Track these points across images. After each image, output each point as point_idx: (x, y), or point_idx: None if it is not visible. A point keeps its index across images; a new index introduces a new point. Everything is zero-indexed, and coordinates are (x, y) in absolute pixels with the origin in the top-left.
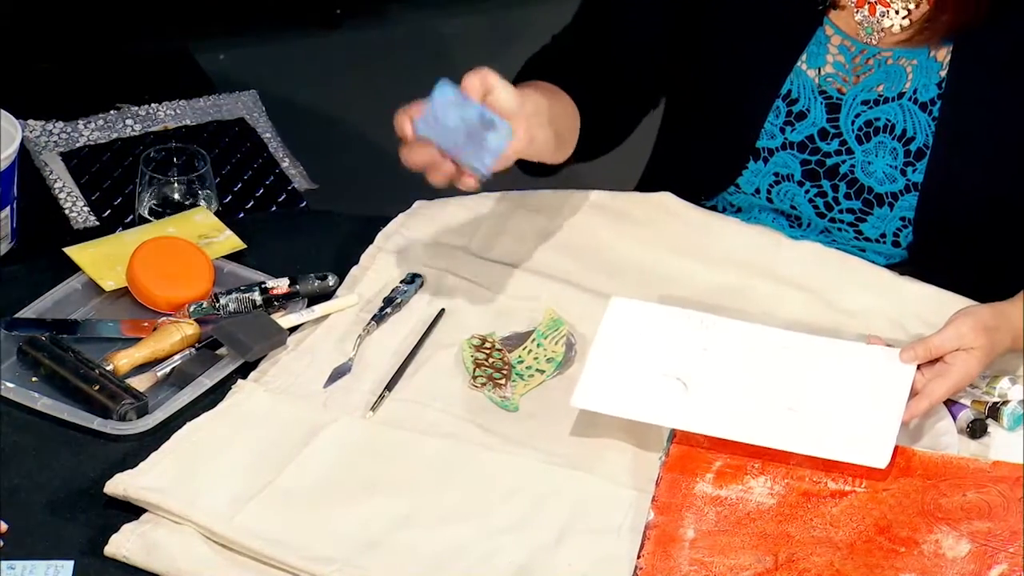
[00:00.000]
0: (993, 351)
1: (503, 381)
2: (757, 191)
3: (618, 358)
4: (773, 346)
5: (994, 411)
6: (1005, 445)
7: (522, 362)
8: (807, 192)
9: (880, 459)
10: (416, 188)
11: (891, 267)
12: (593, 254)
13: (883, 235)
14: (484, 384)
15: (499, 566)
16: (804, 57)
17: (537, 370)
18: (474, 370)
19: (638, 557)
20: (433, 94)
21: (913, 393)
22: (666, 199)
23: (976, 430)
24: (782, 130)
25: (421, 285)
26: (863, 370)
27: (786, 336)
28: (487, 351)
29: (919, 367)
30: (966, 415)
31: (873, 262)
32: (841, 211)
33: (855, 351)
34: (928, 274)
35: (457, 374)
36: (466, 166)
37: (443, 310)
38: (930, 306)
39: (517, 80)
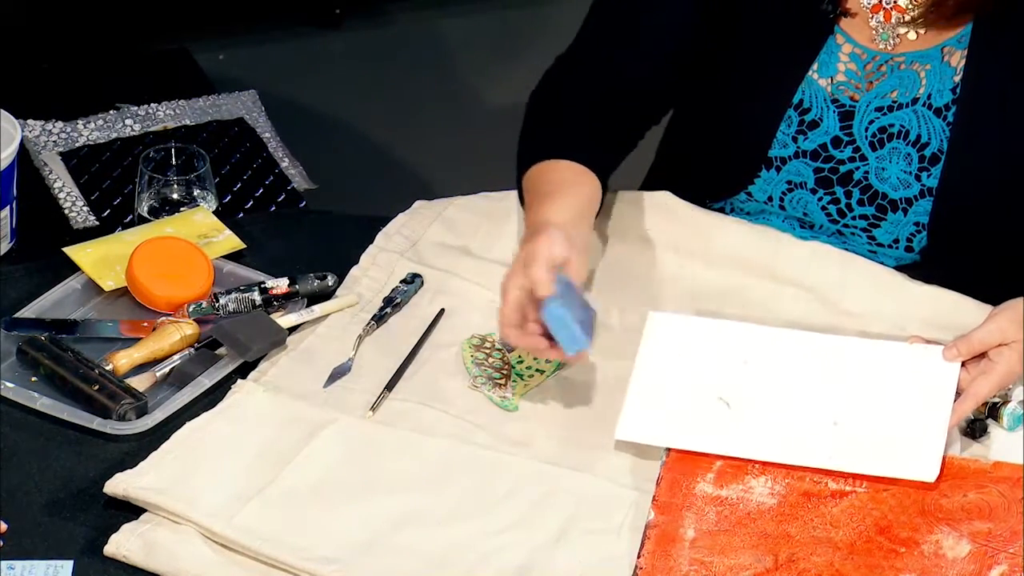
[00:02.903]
0: None
1: (503, 381)
2: (770, 199)
3: (659, 381)
4: (814, 353)
5: (994, 411)
6: (1005, 445)
7: (522, 362)
8: (820, 200)
9: (929, 473)
10: (416, 188)
11: (903, 269)
12: (593, 254)
13: (896, 240)
14: (484, 384)
15: (499, 566)
16: (815, 66)
17: (537, 370)
18: (474, 370)
19: (638, 557)
20: (559, 291)
21: (958, 391)
22: (666, 199)
23: (976, 430)
24: (794, 139)
25: (421, 285)
26: (907, 372)
27: (827, 340)
28: (487, 351)
29: (962, 364)
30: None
31: (881, 263)
32: (854, 217)
33: (898, 352)
34: (940, 277)
35: (457, 374)
36: (569, 348)
37: (443, 310)
38: (931, 306)
39: (530, 132)
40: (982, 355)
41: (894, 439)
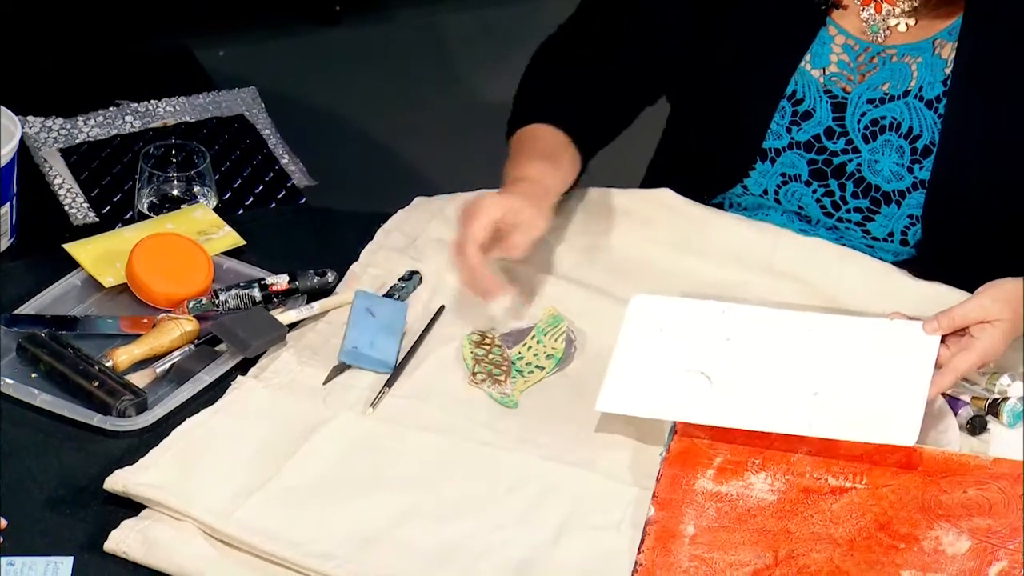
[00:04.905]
0: (1017, 325)
1: (503, 377)
2: (765, 192)
3: (641, 357)
4: (795, 329)
5: (994, 408)
6: (1005, 442)
7: (522, 358)
8: (814, 192)
9: (908, 437)
10: (416, 184)
11: (899, 265)
12: (593, 250)
13: (891, 234)
14: (484, 380)
15: (499, 562)
16: (808, 57)
17: (537, 367)
18: (474, 366)
19: (638, 553)
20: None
21: (937, 367)
22: (665, 195)
23: (976, 427)
24: (788, 130)
25: (420, 282)
26: (887, 346)
27: (807, 318)
28: (487, 347)
29: (943, 340)
30: (966, 412)
31: (879, 259)
32: (848, 210)
33: (878, 327)
34: (937, 272)
35: (457, 370)
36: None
37: (443, 306)
38: (928, 300)
39: (524, 94)
40: (963, 332)
41: (873, 407)
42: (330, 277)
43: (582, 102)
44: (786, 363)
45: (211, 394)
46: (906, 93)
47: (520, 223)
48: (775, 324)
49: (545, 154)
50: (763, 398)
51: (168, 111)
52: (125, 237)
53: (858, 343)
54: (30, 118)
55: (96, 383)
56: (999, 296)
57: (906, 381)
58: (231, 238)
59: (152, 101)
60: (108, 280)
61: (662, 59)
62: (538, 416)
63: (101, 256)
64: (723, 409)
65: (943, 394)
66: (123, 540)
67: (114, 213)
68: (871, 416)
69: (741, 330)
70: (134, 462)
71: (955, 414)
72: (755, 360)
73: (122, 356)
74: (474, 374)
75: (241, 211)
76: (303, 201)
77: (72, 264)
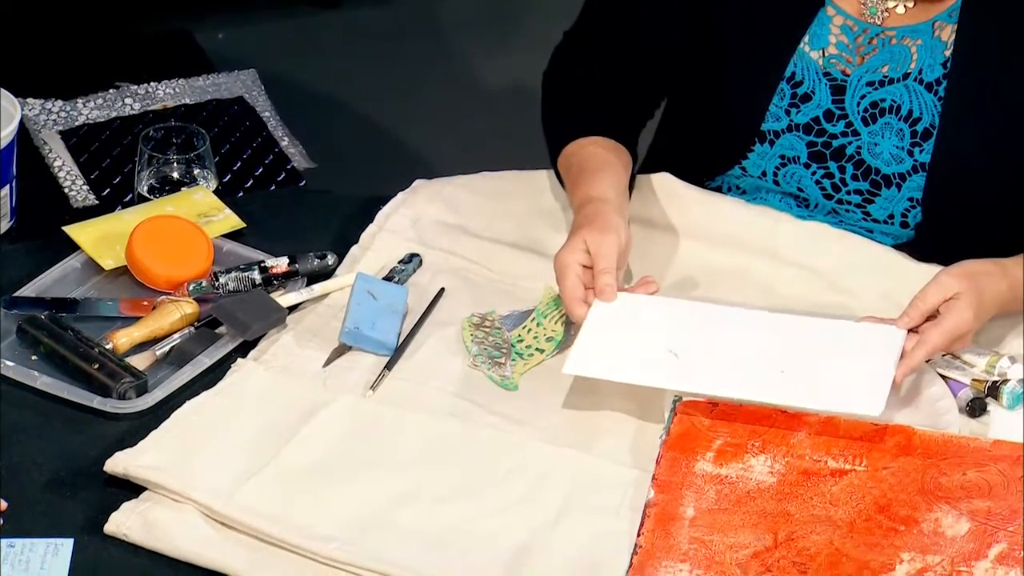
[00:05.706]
0: (982, 296)
1: (503, 360)
2: (764, 174)
3: (610, 332)
4: (764, 324)
5: (993, 390)
6: (1005, 424)
7: (522, 341)
8: (814, 174)
9: (874, 407)
10: (416, 167)
11: (899, 247)
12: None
13: (891, 216)
14: (484, 363)
15: (499, 545)
16: (807, 39)
17: (537, 349)
18: (474, 349)
19: (638, 535)
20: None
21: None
22: (665, 179)
23: (975, 409)
24: (787, 112)
25: (419, 265)
26: (855, 338)
27: (777, 317)
28: (487, 330)
29: (915, 329)
30: (965, 394)
31: (879, 243)
32: (848, 192)
33: (847, 326)
34: (936, 254)
35: (457, 353)
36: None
37: (443, 289)
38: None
39: (552, 114)
40: (934, 316)
41: (839, 381)
42: (330, 260)
43: (609, 105)
44: (754, 347)
45: (211, 376)
46: (906, 76)
47: (598, 260)
48: (744, 320)
49: (598, 166)
50: (731, 371)
51: (168, 93)
52: (125, 219)
53: (828, 338)
54: (30, 100)
55: (96, 365)
56: (955, 272)
57: (873, 361)
58: (231, 220)
59: (152, 83)
60: (108, 262)
61: (670, 52)
62: (538, 399)
63: (101, 238)
64: (691, 378)
65: (943, 377)
66: (123, 522)
67: (114, 195)
68: (837, 389)
69: (710, 323)
70: (134, 444)
71: (955, 396)
72: (723, 344)
73: (122, 338)
74: (474, 357)
75: (241, 193)
76: (303, 183)
77: (72, 246)
